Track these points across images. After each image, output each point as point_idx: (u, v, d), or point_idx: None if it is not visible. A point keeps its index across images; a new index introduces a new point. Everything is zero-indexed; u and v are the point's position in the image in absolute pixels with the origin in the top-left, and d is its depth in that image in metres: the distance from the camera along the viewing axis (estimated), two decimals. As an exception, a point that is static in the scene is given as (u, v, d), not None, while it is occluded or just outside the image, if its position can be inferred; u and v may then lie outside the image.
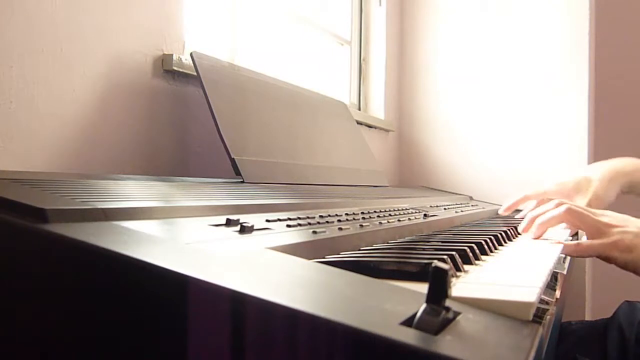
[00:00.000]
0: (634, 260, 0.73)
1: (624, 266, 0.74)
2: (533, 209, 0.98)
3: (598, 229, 0.76)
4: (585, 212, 0.78)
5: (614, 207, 0.86)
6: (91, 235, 0.39)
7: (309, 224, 0.63)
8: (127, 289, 0.35)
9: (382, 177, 1.56)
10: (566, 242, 0.75)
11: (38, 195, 0.47)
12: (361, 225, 0.71)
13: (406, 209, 1.02)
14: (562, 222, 0.78)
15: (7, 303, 0.40)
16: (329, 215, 0.73)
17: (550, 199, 1.06)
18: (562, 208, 0.79)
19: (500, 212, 1.13)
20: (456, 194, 1.85)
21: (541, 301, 0.42)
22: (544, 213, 0.82)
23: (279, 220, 0.62)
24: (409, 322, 0.30)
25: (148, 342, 0.35)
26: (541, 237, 0.81)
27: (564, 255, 0.78)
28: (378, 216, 0.82)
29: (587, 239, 0.79)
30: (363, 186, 1.36)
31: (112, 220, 0.45)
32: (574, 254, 0.76)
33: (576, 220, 0.77)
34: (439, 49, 2.11)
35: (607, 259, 0.75)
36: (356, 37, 2.04)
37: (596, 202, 1.03)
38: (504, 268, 0.56)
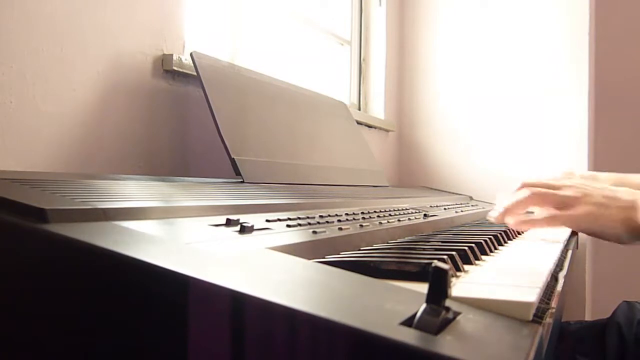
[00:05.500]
0: (601, 230, 0.76)
1: (591, 234, 0.77)
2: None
3: (565, 204, 0.77)
4: (547, 191, 0.79)
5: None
6: (91, 235, 0.39)
7: (309, 224, 0.63)
8: (127, 289, 0.35)
9: (382, 177, 1.55)
10: (535, 217, 0.77)
11: (38, 195, 0.47)
12: (361, 225, 0.71)
13: (406, 209, 1.02)
14: (527, 206, 0.79)
15: (7, 303, 0.40)
16: (329, 215, 0.73)
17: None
18: (525, 192, 0.79)
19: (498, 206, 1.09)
20: (456, 194, 1.85)
21: (541, 301, 0.42)
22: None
23: (279, 220, 0.62)
24: (409, 322, 0.30)
25: (148, 342, 0.35)
26: (515, 225, 0.82)
27: (564, 256, 0.78)
28: (378, 216, 0.82)
29: None
30: (363, 186, 1.36)
31: (112, 220, 0.45)
32: (545, 225, 0.77)
33: (540, 202, 0.78)
34: (439, 49, 2.11)
35: (575, 230, 0.76)
36: (356, 37, 2.04)
37: None
38: (503, 268, 0.56)
